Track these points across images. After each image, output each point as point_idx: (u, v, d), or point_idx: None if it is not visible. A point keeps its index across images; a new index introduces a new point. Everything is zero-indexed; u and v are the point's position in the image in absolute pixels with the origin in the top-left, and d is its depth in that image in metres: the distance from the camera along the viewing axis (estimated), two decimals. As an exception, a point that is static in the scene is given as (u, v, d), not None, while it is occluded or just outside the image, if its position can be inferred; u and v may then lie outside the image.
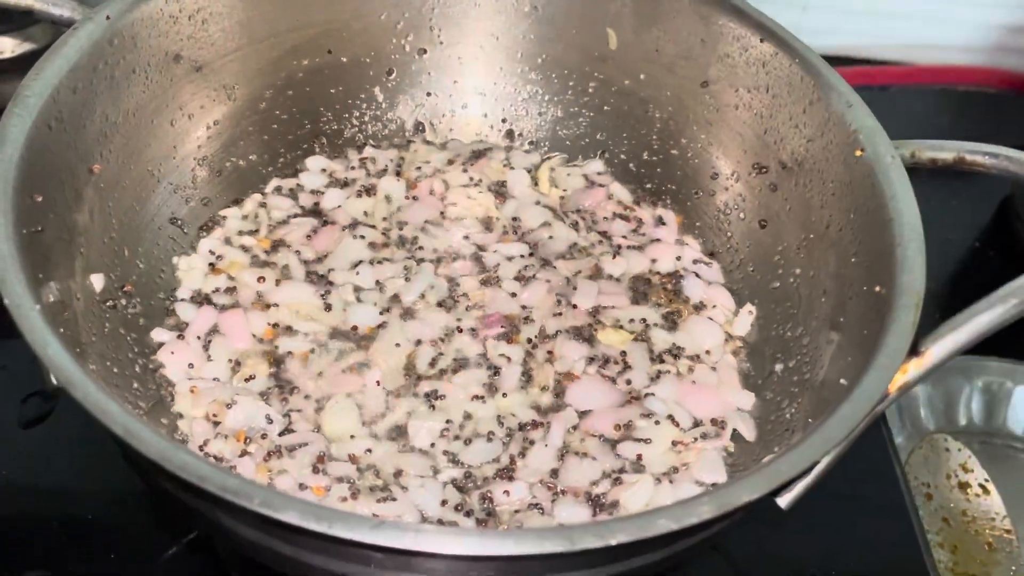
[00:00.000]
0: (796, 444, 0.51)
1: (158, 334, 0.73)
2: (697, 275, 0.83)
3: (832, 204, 0.74)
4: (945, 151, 0.67)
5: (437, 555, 0.43)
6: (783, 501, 0.57)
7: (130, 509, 0.80)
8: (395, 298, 0.79)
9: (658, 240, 0.86)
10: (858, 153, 0.70)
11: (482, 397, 0.72)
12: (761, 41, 0.80)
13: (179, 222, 0.80)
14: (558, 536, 0.44)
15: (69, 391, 0.48)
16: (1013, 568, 0.92)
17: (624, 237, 0.86)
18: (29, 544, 0.77)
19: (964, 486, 1.01)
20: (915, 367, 0.56)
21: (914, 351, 0.57)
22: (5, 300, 0.51)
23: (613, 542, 0.44)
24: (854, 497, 0.87)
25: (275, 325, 0.76)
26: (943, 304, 1.03)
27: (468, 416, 0.71)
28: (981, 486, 1.00)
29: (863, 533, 0.85)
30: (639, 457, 0.70)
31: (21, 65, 0.99)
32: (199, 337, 0.74)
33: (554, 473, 0.68)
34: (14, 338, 0.90)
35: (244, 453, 0.66)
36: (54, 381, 0.55)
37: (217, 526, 0.51)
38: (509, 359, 0.75)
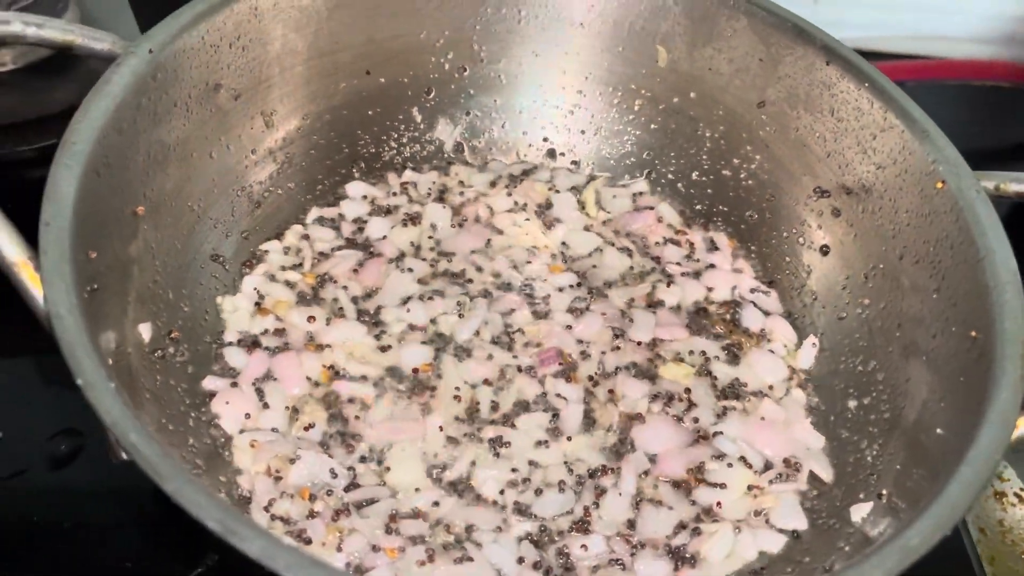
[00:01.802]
0: (921, 513, 0.48)
1: (209, 382, 0.69)
2: (755, 304, 0.81)
3: (907, 235, 0.71)
4: (1032, 184, 0.65)
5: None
6: None
7: (155, 555, 0.77)
8: (449, 336, 0.76)
9: (713, 266, 0.84)
10: (939, 185, 0.68)
11: (546, 442, 0.70)
12: (827, 64, 0.77)
13: (220, 259, 0.76)
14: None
15: (142, 468, 0.44)
16: (1050, 580, 0.91)
17: (678, 264, 0.84)
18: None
19: (1000, 495, 1.00)
20: (1026, 422, 0.54)
21: (1024, 406, 0.54)
22: (77, 379, 0.47)
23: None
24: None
25: (330, 367, 0.72)
26: None
27: (534, 464, 0.68)
28: (1017, 495, 0.99)
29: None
30: (718, 504, 0.67)
31: (19, 78, 0.94)
32: (252, 383, 0.70)
33: (630, 524, 0.66)
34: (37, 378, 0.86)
35: (312, 514, 0.63)
36: (122, 456, 0.51)
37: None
38: (569, 400, 0.72)
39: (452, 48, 0.87)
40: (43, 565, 0.75)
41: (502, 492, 0.66)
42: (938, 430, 0.59)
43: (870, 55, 1.35)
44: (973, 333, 0.60)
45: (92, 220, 0.58)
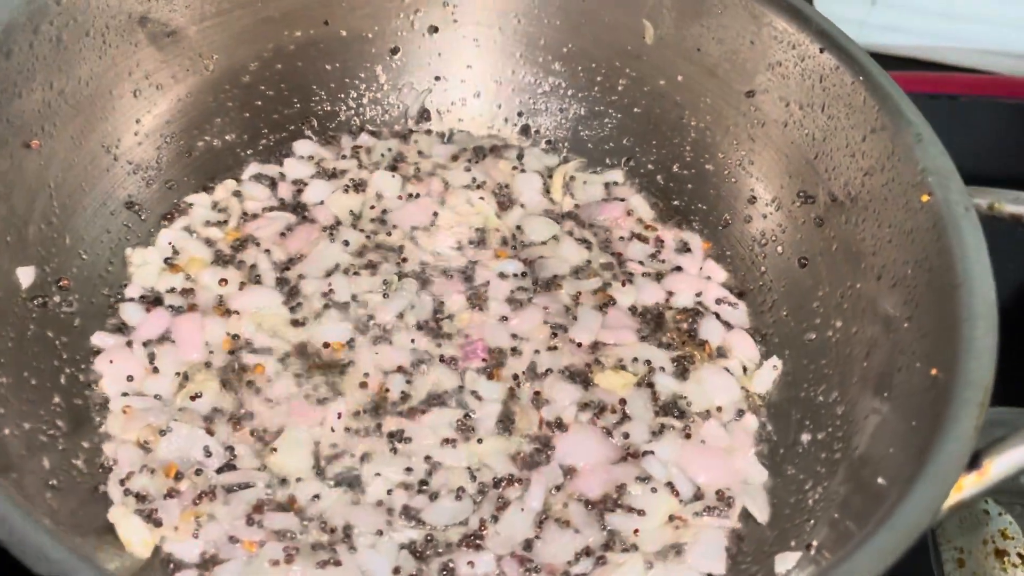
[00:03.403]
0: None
1: (98, 338, 0.64)
2: (718, 316, 0.72)
3: (888, 252, 0.63)
4: (1032, 206, 0.55)
5: None
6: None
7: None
8: (370, 316, 0.69)
9: (679, 269, 0.75)
10: (924, 198, 0.59)
11: (454, 442, 0.63)
12: (821, 51, 0.68)
13: (136, 207, 0.71)
14: None
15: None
16: (1045, 649, 0.82)
17: (640, 263, 0.76)
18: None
19: (1001, 554, 0.91)
20: (972, 484, 0.45)
21: (974, 463, 0.46)
22: None
23: None
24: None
25: (235, 337, 0.66)
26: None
27: (435, 465, 0.61)
28: (1020, 555, 0.90)
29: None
30: (635, 532, 0.60)
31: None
32: (145, 344, 0.65)
33: (528, 545, 0.59)
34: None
35: (171, 492, 0.57)
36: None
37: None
38: (486, 398, 0.65)
39: (423, 5, 0.80)
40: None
41: (390, 492, 0.60)
42: (879, 479, 0.51)
43: (928, 66, 1.26)
44: (934, 371, 0.51)
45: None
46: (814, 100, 0.69)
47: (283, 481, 0.60)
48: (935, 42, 1.25)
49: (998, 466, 0.45)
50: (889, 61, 1.27)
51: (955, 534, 0.92)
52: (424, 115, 0.83)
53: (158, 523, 0.55)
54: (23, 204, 0.61)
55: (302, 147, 0.79)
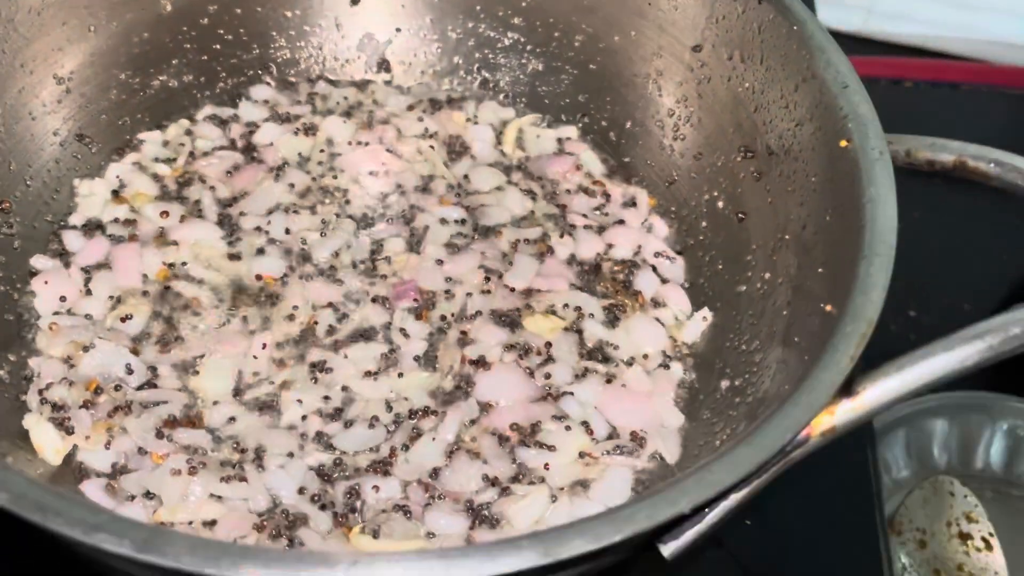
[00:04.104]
0: (667, 485, 0.41)
1: (37, 261, 0.66)
2: (655, 269, 0.72)
3: (812, 202, 0.62)
4: (946, 152, 0.55)
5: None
6: (667, 550, 0.47)
7: None
8: (306, 254, 0.70)
9: (621, 222, 0.76)
10: (843, 144, 0.59)
11: (375, 374, 0.64)
12: (759, 2, 0.68)
13: (87, 140, 0.72)
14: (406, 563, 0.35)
15: None
16: (1005, 635, 0.81)
17: (584, 215, 0.76)
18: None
19: (965, 537, 0.90)
20: (846, 411, 0.45)
21: (847, 390, 0.46)
22: None
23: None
24: (825, 540, 0.77)
25: (171, 266, 0.68)
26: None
27: (352, 395, 0.62)
28: (984, 540, 0.89)
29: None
30: (545, 467, 0.60)
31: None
32: (83, 269, 0.67)
33: (435, 473, 0.59)
34: None
35: (87, 404, 0.59)
36: None
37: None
38: (412, 336, 0.66)
39: (385, -44, 0.81)
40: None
41: (304, 418, 0.61)
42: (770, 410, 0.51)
43: (932, 55, 1.24)
44: (828, 307, 0.51)
45: None
46: (754, 52, 0.69)
47: (201, 402, 0.61)
48: (939, 31, 1.24)
49: (871, 393, 0.45)
50: (893, 48, 1.27)
51: (917, 515, 0.92)
52: (384, 65, 0.84)
53: (70, 431, 0.57)
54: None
55: (258, 92, 0.81)
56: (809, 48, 0.64)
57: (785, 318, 0.61)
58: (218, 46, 0.79)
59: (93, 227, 0.69)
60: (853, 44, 0.68)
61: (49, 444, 0.56)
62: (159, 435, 0.58)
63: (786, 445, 0.42)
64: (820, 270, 0.58)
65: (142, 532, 0.35)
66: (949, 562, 0.88)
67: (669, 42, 0.76)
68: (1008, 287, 1.06)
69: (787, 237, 0.65)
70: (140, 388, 0.61)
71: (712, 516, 0.46)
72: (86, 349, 0.61)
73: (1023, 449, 0.93)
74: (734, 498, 0.45)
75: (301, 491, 0.58)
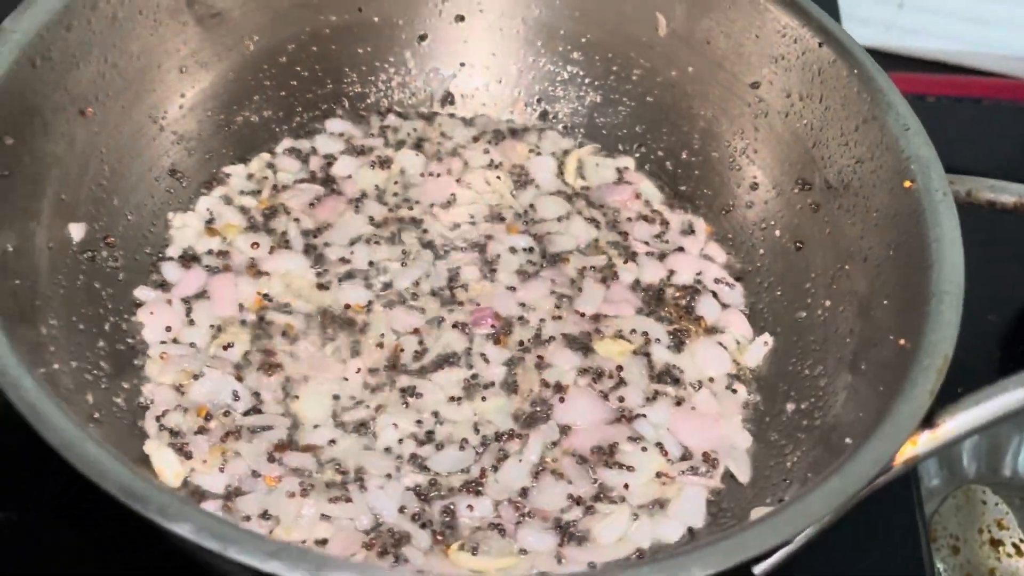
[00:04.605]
0: (772, 515, 0.45)
1: (141, 292, 0.70)
2: (715, 295, 0.77)
3: (873, 235, 0.66)
4: (1007, 194, 0.59)
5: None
6: (759, 569, 0.51)
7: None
8: (389, 283, 0.74)
9: (681, 250, 0.80)
10: (907, 184, 0.63)
11: (459, 399, 0.68)
12: (820, 45, 0.72)
13: (179, 175, 0.77)
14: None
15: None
16: (1036, 640, 0.85)
17: (645, 243, 0.80)
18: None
19: (996, 544, 0.94)
20: (927, 441, 0.49)
21: (928, 422, 0.50)
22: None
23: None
24: (867, 541, 0.81)
25: (265, 296, 0.72)
26: (1003, 359, 0.93)
27: (441, 419, 0.67)
28: (1015, 546, 0.93)
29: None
30: (625, 486, 0.64)
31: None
32: (184, 299, 0.71)
33: (524, 492, 0.64)
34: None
35: (201, 430, 0.63)
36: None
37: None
38: (492, 361, 0.70)
39: (450, -6, 0.85)
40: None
41: (400, 441, 0.65)
42: (847, 439, 0.55)
43: (952, 70, 1.27)
44: (902, 341, 0.56)
45: (17, 108, 0.59)
46: (813, 91, 0.73)
47: (303, 426, 0.65)
48: (961, 46, 1.28)
49: (950, 425, 0.49)
50: (914, 63, 1.30)
51: (951, 522, 0.95)
52: (448, 98, 0.88)
53: (188, 455, 0.61)
54: (76, 167, 0.67)
55: (333, 125, 0.85)
56: (870, 91, 0.68)
57: (850, 345, 0.65)
58: (295, 82, 0.83)
59: (189, 258, 0.73)
60: (875, 59, 0.71)
61: (169, 468, 0.60)
62: (270, 459, 0.62)
63: (875, 476, 0.46)
64: (885, 302, 0.62)
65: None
66: (981, 567, 0.92)
67: (726, 78, 0.80)
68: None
69: (847, 267, 0.69)
70: (247, 413, 0.65)
71: (800, 538, 0.50)
72: (195, 377, 0.65)
73: (1051, 458, 0.97)
74: (820, 524, 0.49)
75: (401, 510, 0.62)
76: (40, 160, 0.62)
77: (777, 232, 0.78)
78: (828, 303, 0.70)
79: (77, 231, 0.66)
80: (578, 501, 0.63)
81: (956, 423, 0.49)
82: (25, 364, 0.45)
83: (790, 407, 0.68)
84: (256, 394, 0.66)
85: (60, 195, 0.65)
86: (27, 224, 0.60)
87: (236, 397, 0.65)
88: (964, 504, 0.95)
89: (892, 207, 0.64)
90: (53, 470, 0.66)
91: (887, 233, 0.65)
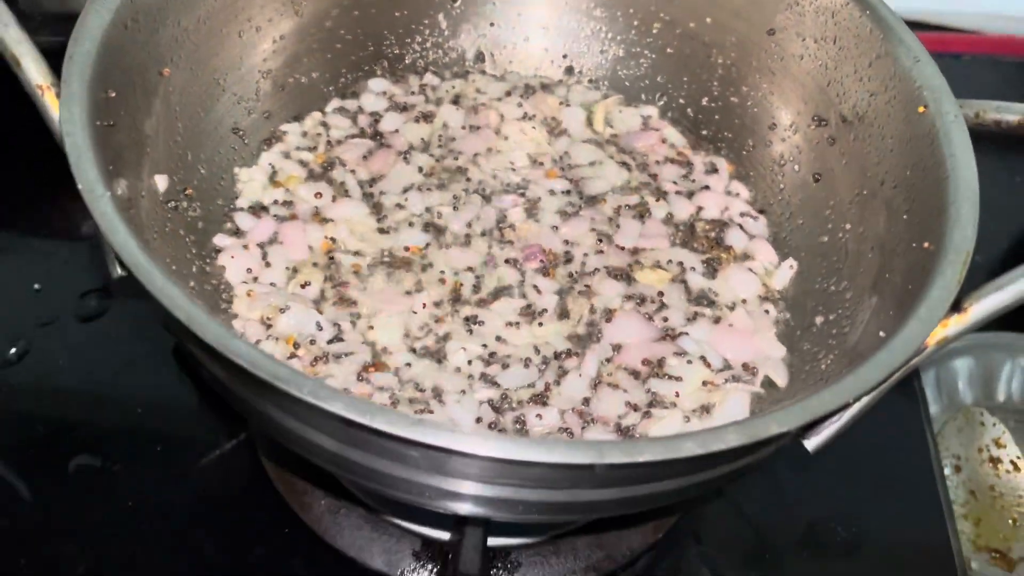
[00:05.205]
0: (829, 384, 0.51)
1: (219, 239, 0.76)
2: (741, 227, 0.83)
3: (889, 160, 0.73)
4: (1011, 113, 0.66)
5: (470, 455, 0.45)
6: (810, 444, 0.58)
7: (175, 409, 0.85)
8: (442, 227, 0.80)
9: (707, 188, 0.86)
10: (921, 110, 0.70)
11: (518, 324, 0.74)
12: (833, -11, 0.78)
13: (241, 133, 0.82)
14: (589, 448, 0.45)
15: (134, 274, 0.50)
16: (1036, 545, 0.92)
17: (674, 183, 0.87)
18: (80, 431, 0.81)
19: (995, 461, 1.01)
20: (956, 323, 0.57)
21: (956, 307, 0.57)
22: (79, 185, 0.53)
23: (640, 459, 0.45)
24: (883, 460, 0.88)
25: (331, 240, 0.78)
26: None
27: (504, 342, 0.73)
28: (1013, 463, 1.00)
29: (889, 495, 0.86)
30: (676, 394, 0.71)
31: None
32: (259, 245, 0.76)
33: (586, 402, 0.70)
34: (76, 239, 0.95)
35: (292, 356, 0.69)
36: (118, 271, 0.58)
37: (265, 418, 0.54)
38: (544, 291, 0.76)
39: (480, -42, 0.91)
40: (66, 411, 0.83)
41: (470, 363, 0.71)
42: (880, 333, 0.62)
43: (934, 28, 1.35)
44: (927, 244, 0.62)
45: (114, 66, 0.64)
46: (827, 34, 0.80)
47: (380, 351, 0.71)
48: (941, 6, 1.35)
49: (977, 308, 0.56)
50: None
51: (952, 443, 1.03)
52: (480, 57, 0.94)
53: (285, 379, 0.67)
54: (157, 123, 0.72)
55: (375, 84, 0.91)
56: (882, 28, 0.75)
57: (872, 261, 0.72)
58: (339, 45, 0.89)
59: (258, 208, 0.79)
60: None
61: (268, 390, 0.66)
62: (359, 378, 0.68)
63: (912, 354, 0.53)
64: (905, 216, 0.69)
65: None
66: (982, 483, 0.99)
67: (743, 26, 0.86)
68: (1012, 239, 1.18)
69: (865, 192, 0.76)
70: (330, 342, 0.71)
71: (848, 415, 0.57)
72: (281, 311, 0.71)
73: (1040, 382, 1.05)
74: (865, 400, 0.56)
75: (478, 420, 0.68)
76: (133, 115, 0.67)
77: (796, 167, 0.84)
78: (848, 226, 0.77)
79: (162, 182, 0.72)
80: (635, 408, 0.70)
81: (982, 306, 0.56)
82: (172, 281, 0.51)
83: (819, 320, 0.75)
84: (336, 325, 0.72)
85: (148, 148, 0.70)
86: (131, 173, 0.65)
87: (320, 328, 0.71)
88: (964, 426, 1.02)
89: (907, 132, 0.71)
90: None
91: (903, 157, 0.71)
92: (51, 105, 0.58)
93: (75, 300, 0.91)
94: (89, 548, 0.75)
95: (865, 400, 0.56)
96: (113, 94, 0.63)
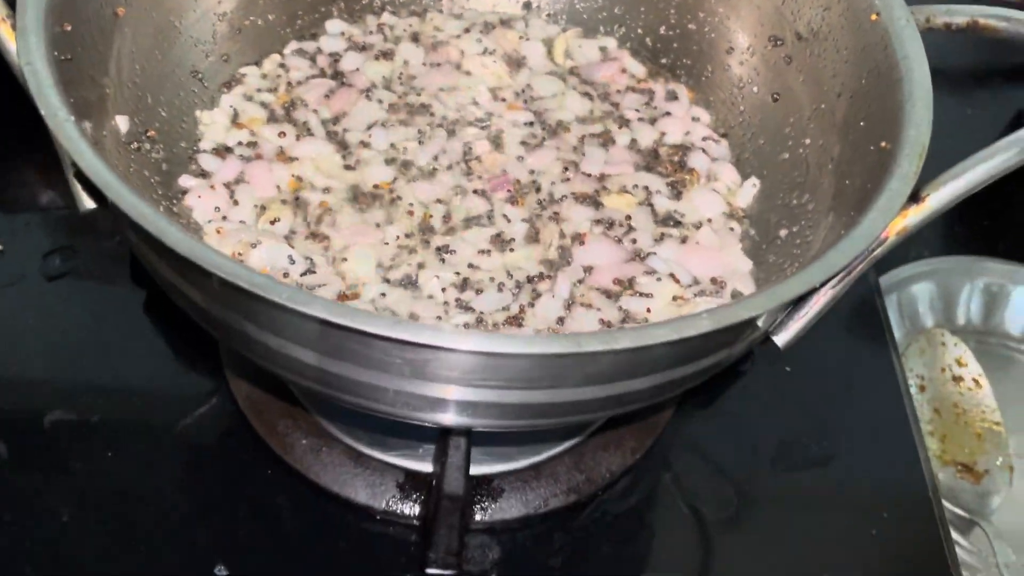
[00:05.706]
0: (794, 272, 0.53)
1: (184, 180, 0.75)
2: (704, 151, 0.85)
3: (844, 72, 0.75)
4: (959, 15, 0.68)
5: (453, 350, 0.46)
6: (780, 339, 0.60)
7: (150, 360, 0.84)
8: (408, 161, 0.81)
9: (669, 114, 0.87)
10: (873, 18, 0.71)
11: (489, 251, 0.75)
12: (782, -95, 0.79)
13: (200, 76, 0.81)
14: (568, 339, 0.46)
15: (105, 192, 0.50)
16: (1000, 458, 0.96)
17: (636, 110, 0.88)
18: (53, 387, 0.81)
19: (958, 379, 1.04)
20: (915, 212, 0.58)
21: (915, 198, 0.59)
22: (41, 111, 0.53)
23: (617, 347, 0.46)
24: (852, 383, 0.91)
25: (298, 177, 0.78)
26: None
27: (477, 268, 0.74)
28: (974, 380, 1.03)
29: (856, 413, 0.89)
30: (647, 310, 0.72)
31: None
32: (225, 184, 0.76)
33: (560, 321, 0.71)
34: (36, 211, 0.93)
35: (266, 289, 0.69)
36: (87, 204, 0.57)
37: (244, 338, 0.55)
38: (513, 220, 0.77)
39: None
40: (37, 369, 0.82)
41: (444, 290, 0.72)
42: (842, 231, 0.64)
43: None
44: (884, 144, 0.64)
45: (69, 2, 0.63)
46: (778, -47, 0.81)
47: (354, 284, 0.72)
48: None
49: (935, 197, 0.58)
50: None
51: (916, 364, 1.06)
52: (436, -5, 0.94)
53: (260, 310, 0.67)
54: (115, 66, 0.71)
55: (333, 26, 0.90)
56: (833, -60, 0.76)
57: (832, 171, 0.74)
58: (294, -14, 0.88)
59: (222, 149, 0.78)
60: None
61: (244, 322, 0.66)
62: (334, 307, 0.68)
63: (872, 244, 0.55)
64: (862, 123, 0.71)
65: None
66: (946, 401, 1.02)
67: (695, -48, 0.87)
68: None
69: (823, 106, 0.78)
70: (303, 275, 0.71)
71: (812, 310, 0.59)
72: (252, 246, 0.71)
73: (997, 303, 1.08)
74: (830, 293, 0.58)
75: (455, 344, 0.69)
76: (90, 52, 0.66)
77: (755, 88, 0.86)
78: (808, 141, 0.79)
79: (123, 123, 0.71)
80: (608, 325, 0.71)
81: (939, 195, 0.58)
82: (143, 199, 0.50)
83: (783, 232, 0.77)
84: (308, 259, 0.72)
85: (107, 89, 0.69)
86: (92, 112, 0.64)
87: (292, 261, 0.71)
88: (927, 347, 1.05)
89: (861, 41, 0.73)
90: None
91: (858, 66, 0.73)
92: (7, 37, 0.57)
93: (39, 260, 0.90)
94: (71, 497, 0.74)
95: (831, 293, 0.58)
96: (69, 27, 0.62)
